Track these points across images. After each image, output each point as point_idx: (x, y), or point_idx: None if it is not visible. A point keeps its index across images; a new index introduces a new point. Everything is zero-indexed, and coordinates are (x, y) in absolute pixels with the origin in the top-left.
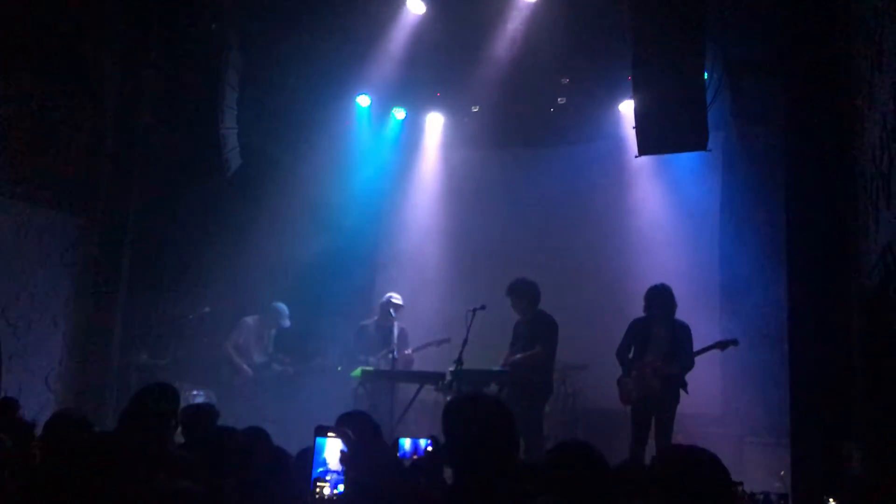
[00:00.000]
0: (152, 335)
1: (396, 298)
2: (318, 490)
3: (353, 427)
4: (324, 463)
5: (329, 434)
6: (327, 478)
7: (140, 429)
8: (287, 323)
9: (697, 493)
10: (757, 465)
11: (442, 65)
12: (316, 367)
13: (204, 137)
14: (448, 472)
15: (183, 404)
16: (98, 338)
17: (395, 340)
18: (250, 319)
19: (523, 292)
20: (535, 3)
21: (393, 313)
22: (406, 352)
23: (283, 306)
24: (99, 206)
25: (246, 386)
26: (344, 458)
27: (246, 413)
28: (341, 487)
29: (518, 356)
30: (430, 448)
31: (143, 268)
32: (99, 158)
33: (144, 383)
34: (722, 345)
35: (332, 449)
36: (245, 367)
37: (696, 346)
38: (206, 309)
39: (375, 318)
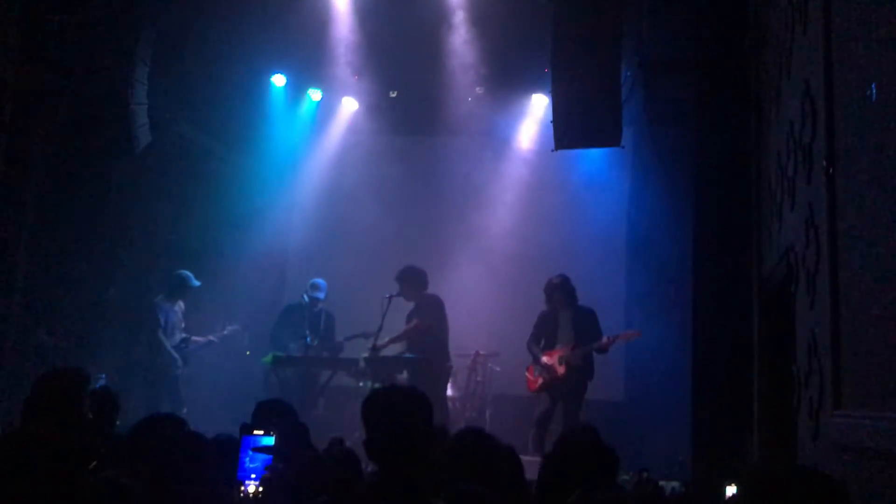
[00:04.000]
0: (53, 316)
1: (321, 283)
2: (241, 490)
3: (277, 419)
4: (248, 461)
5: (255, 432)
6: (251, 476)
7: (48, 417)
8: (197, 283)
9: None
10: (660, 450)
11: (362, 47)
12: (229, 336)
13: (113, 112)
14: (367, 464)
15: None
16: None
17: (322, 324)
18: (161, 299)
19: (410, 278)
20: None
21: (319, 297)
22: (338, 340)
23: (185, 271)
24: None
25: (174, 372)
26: (270, 452)
27: (164, 399)
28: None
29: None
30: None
31: (44, 245)
32: None
33: (43, 365)
34: (628, 335)
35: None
36: (176, 355)
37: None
38: (111, 289)
39: (305, 300)
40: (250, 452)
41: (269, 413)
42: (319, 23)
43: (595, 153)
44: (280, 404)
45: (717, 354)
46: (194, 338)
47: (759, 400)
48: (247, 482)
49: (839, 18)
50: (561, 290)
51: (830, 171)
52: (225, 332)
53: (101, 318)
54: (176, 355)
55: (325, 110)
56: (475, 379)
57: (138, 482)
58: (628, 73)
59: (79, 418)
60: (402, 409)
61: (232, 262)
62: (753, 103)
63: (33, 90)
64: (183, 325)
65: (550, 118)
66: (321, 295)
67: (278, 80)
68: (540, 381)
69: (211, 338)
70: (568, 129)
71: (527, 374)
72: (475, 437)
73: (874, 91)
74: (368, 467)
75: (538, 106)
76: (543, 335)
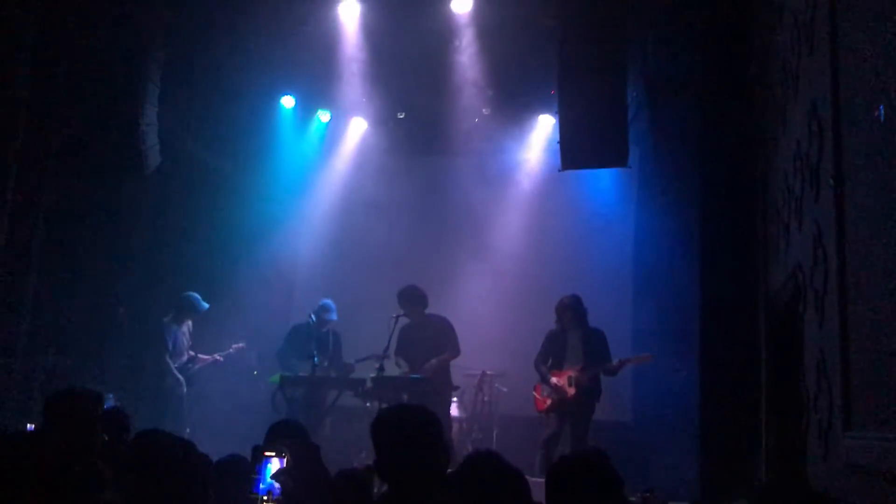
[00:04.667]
0: (61, 335)
1: (331, 304)
2: None
3: (290, 440)
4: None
5: (267, 454)
6: (264, 499)
7: (65, 434)
8: (205, 305)
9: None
10: (667, 471)
11: (370, 69)
12: (235, 354)
13: (123, 133)
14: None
15: None
16: (3, 335)
17: (331, 345)
18: (169, 320)
19: (415, 297)
20: (466, 15)
21: (332, 319)
22: (350, 362)
23: (194, 294)
24: (7, 200)
25: (179, 393)
26: (279, 474)
27: (169, 419)
28: None
29: (434, 361)
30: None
31: (53, 264)
32: (8, 151)
33: (52, 385)
34: (639, 358)
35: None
36: (181, 377)
37: (613, 354)
38: (120, 310)
39: (312, 320)
40: (265, 475)
41: (282, 434)
42: (328, 45)
43: (602, 173)
44: (293, 425)
45: (724, 374)
46: (200, 356)
47: (767, 420)
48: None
49: (846, 40)
50: (572, 310)
51: (839, 190)
52: (230, 351)
53: (110, 337)
54: (181, 377)
55: (334, 131)
56: (482, 399)
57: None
58: (634, 94)
59: (91, 440)
60: (412, 429)
61: (240, 281)
62: (759, 122)
63: (45, 110)
64: (190, 344)
65: (557, 139)
66: (333, 316)
67: (287, 101)
68: (548, 401)
69: (217, 356)
70: (575, 150)
71: (534, 393)
72: (486, 458)
73: (882, 112)
74: (383, 488)
75: (545, 126)
76: (551, 355)
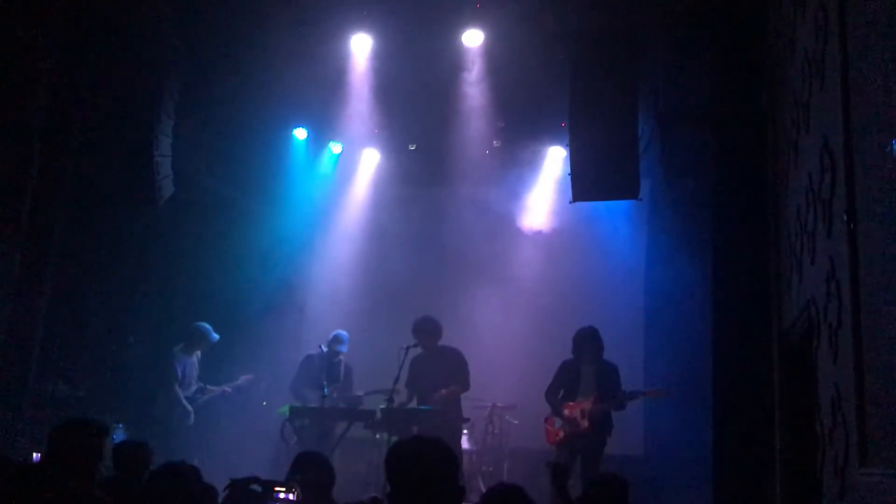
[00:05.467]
0: (72, 365)
1: (344, 336)
2: None
3: (310, 472)
4: None
5: (277, 489)
6: None
7: (64, 465)
8: (216, 336)
9: None
10: None
11: (382, 101)
12: (244, 385)
13: (136, 163)
14: None
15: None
16: (13, 365)
17: (342, 375)
18: (179, 350)
19: (430, 329)
20: (478, 48)
21: (343, 350)
22: (359, 394)
23: (206, 324)
24: (21, 229)
25: (187, 423)
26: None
27: (177, 449)
28: None
29: (443, 391)
30: None
31: (64, 294)
32: (23, 179)
33: (61, 414)
34: (654, 392)
35: None
36: (190, 407)
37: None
38: (130, 339)
39: (324, 350)
40: None
41: (307, 466)
42: (340, 77)
43: (613, 205)
44: (318, 458)
45: (737, 408)
46: (209, 387)
47: (782, 455)
48: None
49: (857, 74)
50: (592, 342)
51: (852, 225)
52: (239, 382)
53: (120, 367)
54: (189, 408)
55: (346, 162)
56: (492, 431)
57: None
58: (645, 126)
59: (91, 470)
60: (429, 461)
61: (251, 311)
62: (770, 156)
63: (60, 140)
64: (198, 374)
65: (568, 171)
66: (343, 348)
67: (300, 133)
68: (561, 433)
69: (226, 388)
70: (586, 182)
71: (546, 425)
72: (510, 493)
73: (894, 147)
74: None
75: (556, 158)
76: (564, 385)
